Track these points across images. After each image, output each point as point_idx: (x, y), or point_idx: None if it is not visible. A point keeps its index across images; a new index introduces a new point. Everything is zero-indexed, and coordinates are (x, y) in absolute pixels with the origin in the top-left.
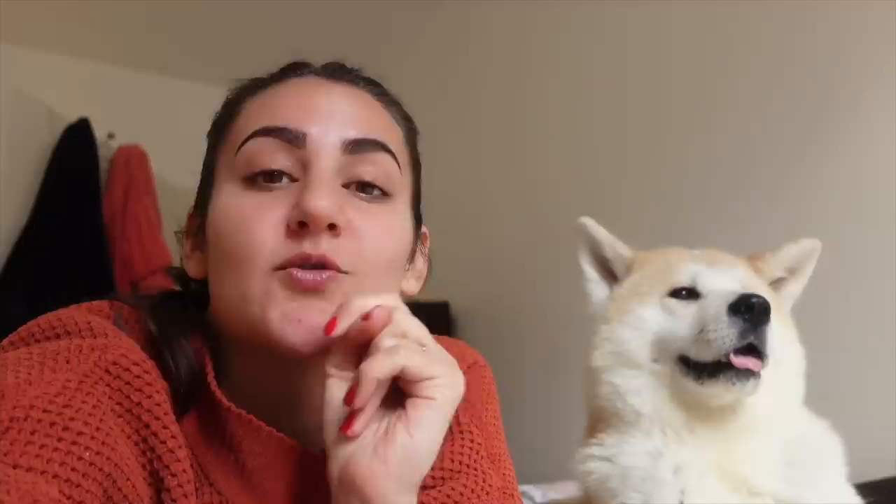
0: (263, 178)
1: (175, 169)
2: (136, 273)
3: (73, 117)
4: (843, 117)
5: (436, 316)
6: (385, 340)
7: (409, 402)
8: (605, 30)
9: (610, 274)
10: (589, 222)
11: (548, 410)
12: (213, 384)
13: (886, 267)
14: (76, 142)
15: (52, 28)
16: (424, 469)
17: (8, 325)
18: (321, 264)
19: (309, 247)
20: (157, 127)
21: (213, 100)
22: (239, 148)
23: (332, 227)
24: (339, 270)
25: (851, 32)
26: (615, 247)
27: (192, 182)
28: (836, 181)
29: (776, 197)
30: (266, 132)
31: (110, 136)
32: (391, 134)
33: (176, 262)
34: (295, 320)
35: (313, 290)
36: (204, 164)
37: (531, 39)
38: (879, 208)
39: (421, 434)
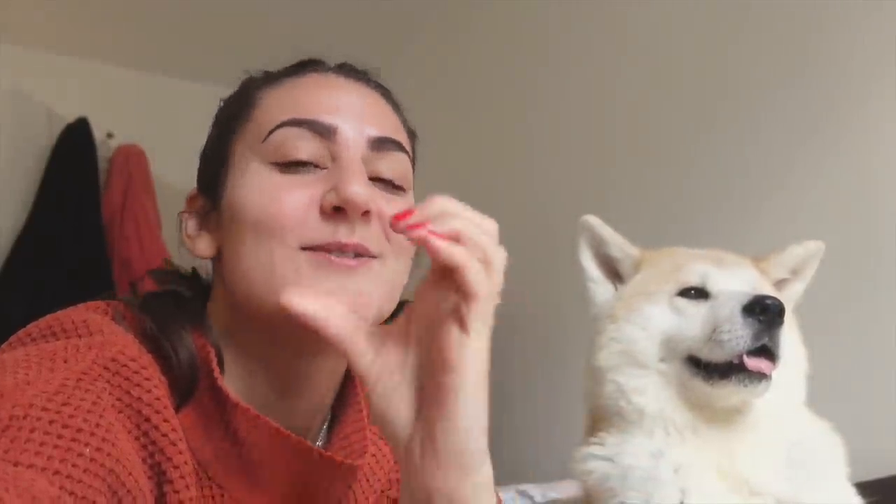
0: (292, 165)
1: (174, 168)
2: (136, 273)
3: (71, 117)
4: (846, 116)
5: None
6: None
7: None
8: (606, 29)
9: (612, 273)
10: (594, 221)
11: (547, 410)
12: (220, 379)
13: (887, 267)
14: (75, 142)
15: (52, 28)
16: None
17: (8, 325)
18: (356, 253)
19: (344, 234)
20: (156, 127)
21: (212, 99)
22: (267, 136)
23: (364, 213)
24: (370, 256)
25: (854, 31)
26: (622, 246)
27: (192, 181)
28: (839, 180)
29: (776, 196)
30: (297, 123)
31: (109, 135)
32: (403, 135)
33: (175, 262)
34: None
35: (345, 269)
36: (212, 147)
37: (532, 38)
38: (882, 207)
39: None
